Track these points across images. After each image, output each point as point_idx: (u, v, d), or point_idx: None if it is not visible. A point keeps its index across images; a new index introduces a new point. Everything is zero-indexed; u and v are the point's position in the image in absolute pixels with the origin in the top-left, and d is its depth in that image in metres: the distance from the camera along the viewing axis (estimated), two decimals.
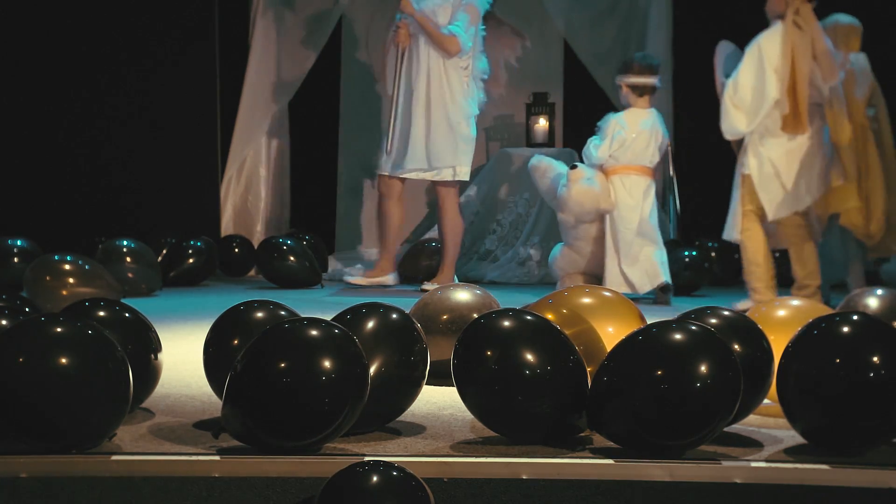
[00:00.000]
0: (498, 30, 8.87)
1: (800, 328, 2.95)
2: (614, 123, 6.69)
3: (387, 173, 7.05)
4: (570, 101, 8.76)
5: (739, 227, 6.14)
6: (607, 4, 8.64)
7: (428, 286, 6.85)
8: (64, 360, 2.68)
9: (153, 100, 8.48)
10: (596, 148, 6.68)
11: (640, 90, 6.71)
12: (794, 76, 5.92)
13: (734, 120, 6.02)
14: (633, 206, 6.64)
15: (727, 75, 6.12)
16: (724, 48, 6.33)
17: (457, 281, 7.23)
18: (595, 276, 6.78)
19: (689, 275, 7.21)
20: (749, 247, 6.13)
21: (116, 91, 8.38)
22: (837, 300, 5.05)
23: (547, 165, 6.83)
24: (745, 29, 6.27)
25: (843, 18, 6.31)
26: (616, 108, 8.41)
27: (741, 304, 5.99)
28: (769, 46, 5.95)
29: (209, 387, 3.29)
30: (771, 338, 3.11)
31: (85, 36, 8.23)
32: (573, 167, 6.65)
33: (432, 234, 8.40)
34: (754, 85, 5.96)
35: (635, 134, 6.65)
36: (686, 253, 7.27)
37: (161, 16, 8.49)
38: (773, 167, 6.00)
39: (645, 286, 6.62)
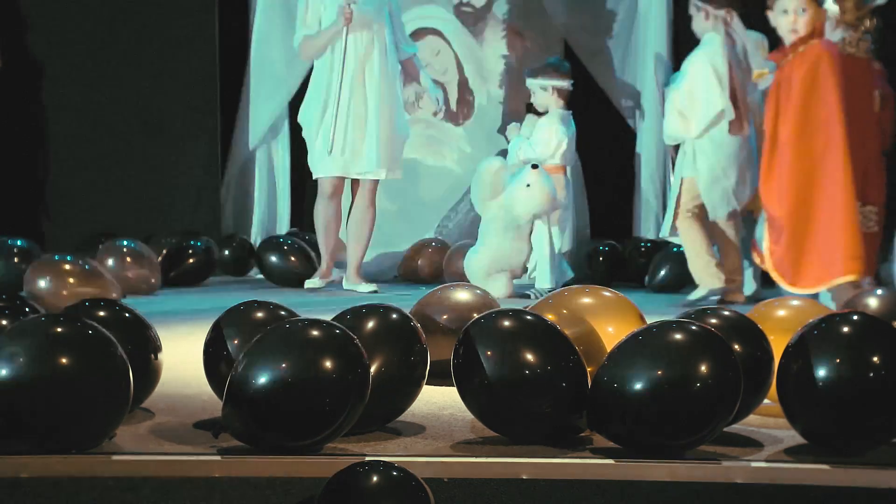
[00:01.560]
0: (498, 30, 8.87)
1: (800, 328, 2.95)
2: (558, 125, 6.98)
3: (340, 174, 6.88)
4: (569, 101, 8.75)
5: (672, 225, 6.64)
6: (607, 4, 8.64)
7: (368, 287, 6.92)
8: (64, 360, 2.68)
9: (153, 100, 8.48)
10: (545, 146, 6.86)
11: (564, 93, 7.09)
12: (732, 83, 6.41)
13: (680, 128, 6.52)
14: (567, 206, 7.03)
15: (666, 84, 6.69)
16: (658, 59, 6.73)
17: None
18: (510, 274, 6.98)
19: (679, 272, 7.21)
20: (690, 246, 6.54)
21: (116, 91, 8.38)
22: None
23: (502, 165, 6.95)
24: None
25: (752, 34, 6.66)
26: (617, 109, 8.45)
27: (693, 296, 6.42)
28: (716, 59, 6.39)
29: (209, 387, 3.29)
30: (771, 338, 3.11)
31: (85, 36, 8.23)
32: (535, 166, 6.81)
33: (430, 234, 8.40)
34: (704, 96, 6.39)
35: (571, 135, 7.01)
36: (675, 249, 7.25)
37: (161, 16, 8.49)
38: (721, 169, 6.45)
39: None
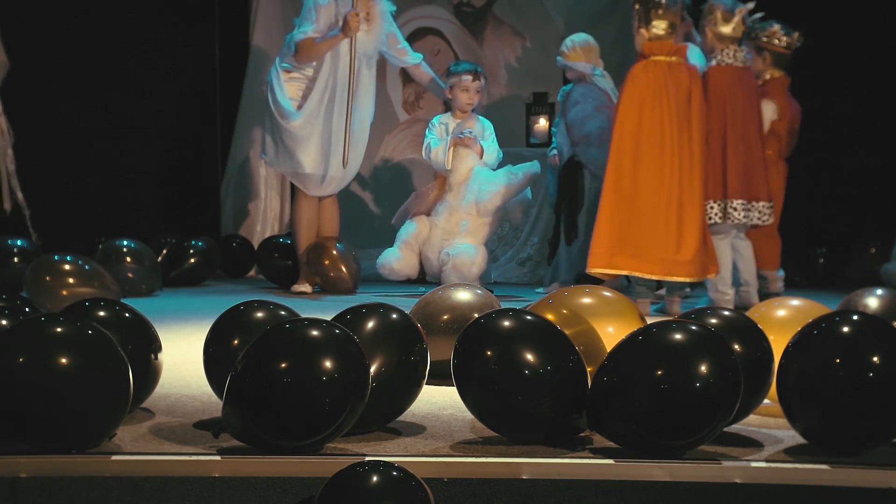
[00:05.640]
0: (498, 30, 8.87)
1: (800, 328, 2.95)
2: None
3: (334, 189, 6.93)
4: None
5: None
6: (607, 4, 8.65)
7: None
8: (64, 360, 2.68)
9: (153, 100, 8.49)
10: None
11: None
12: None
13: None
14: None
15: None
16: None
17: None
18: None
19: None
20: None
21: (116, 91, 8.39)
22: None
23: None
24: None
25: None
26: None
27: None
28: None
29: (209, 387, 3.29)
30: (771, 338, 3.11)
31: (85, 36, 8.24)
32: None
33: None
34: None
35: None
36: None
37: (161, 15, 8.49)
38: None
39: None
